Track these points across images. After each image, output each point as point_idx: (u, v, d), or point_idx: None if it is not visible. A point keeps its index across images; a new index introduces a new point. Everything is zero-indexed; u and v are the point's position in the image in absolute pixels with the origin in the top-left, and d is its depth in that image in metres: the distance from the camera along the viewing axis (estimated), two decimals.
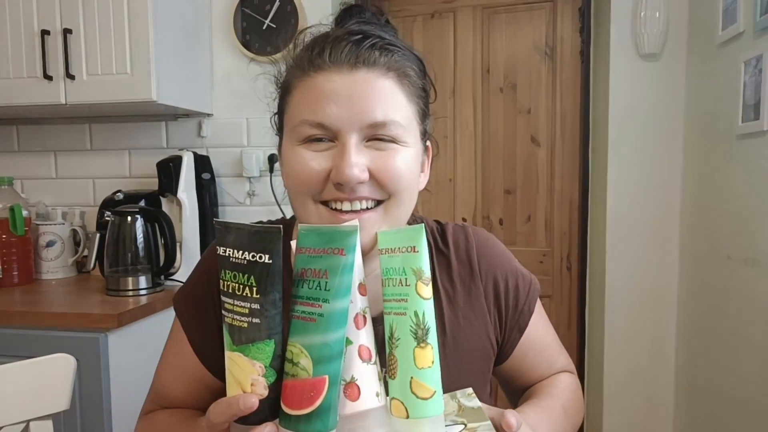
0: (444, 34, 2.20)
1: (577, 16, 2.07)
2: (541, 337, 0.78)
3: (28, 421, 0.91)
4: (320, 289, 0.51)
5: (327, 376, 0.49)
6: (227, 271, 0.52)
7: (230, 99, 2.01)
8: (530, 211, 2.18)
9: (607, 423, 1.93)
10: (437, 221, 0.79)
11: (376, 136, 0.60)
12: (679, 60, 1.79)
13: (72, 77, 1.69)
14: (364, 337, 0.52)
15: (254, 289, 0.51)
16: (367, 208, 0.61)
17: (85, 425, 1.43)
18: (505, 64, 2.16)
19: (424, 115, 0.66)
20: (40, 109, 1.86)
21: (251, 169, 1.98)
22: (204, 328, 0.73)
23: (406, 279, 0.52)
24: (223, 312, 0.53)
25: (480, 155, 2.21)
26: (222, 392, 0.75)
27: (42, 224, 1.92)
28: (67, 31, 1.68)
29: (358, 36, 0.61)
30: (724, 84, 1.52)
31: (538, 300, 0.78)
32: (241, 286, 0.51)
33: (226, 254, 0.52)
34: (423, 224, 0.56)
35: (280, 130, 0.67)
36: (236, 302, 0.52)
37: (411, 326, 0.52)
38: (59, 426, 1.40)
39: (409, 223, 0.73)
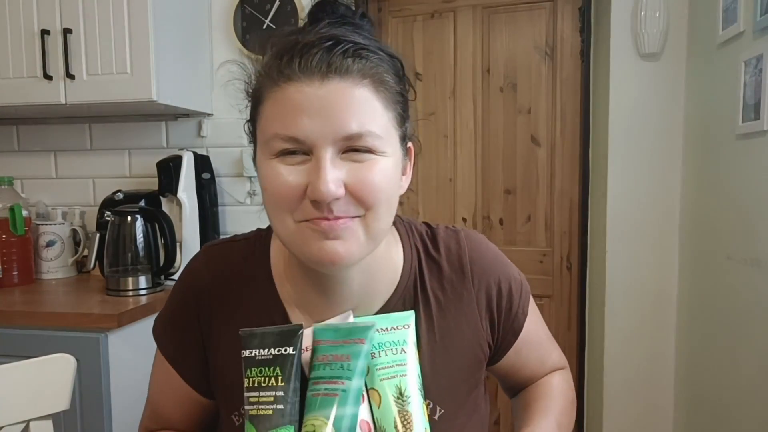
0: (444, 34, 2.20)
1: (577, 16, 2.06)
2: (533, 336, 0.78)
3: (28, 421, 0.91)
4: (343, 369, 0.57)
5: None
6: (253, 369, 0.59)
7: (230, 99, 2.00)
8: (530, 211, 2.17)
9: (607, 423, 1.93)
10: (426, 224, 0.77)
11: (352, 147, 0.57)
12: (679, 60, 1.79)
13: (72, 77, 1.69)
14: (364, 412, 0.58)
15: (279, 378, 0.57)
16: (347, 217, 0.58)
17: (85, 425, 1.43)
18: (505, 64, 2.16)
19: (402, 119, 0.63)
20: (40, 109, 1.86)
21: (251, 168, 1.98)
22: (187, 355, 0.74)
23: (401, 348, 0.62)
24: (246, 407, 0.58)
25: (480, 155, 2.21)
26: (212, 408, 0.76)
27: (42, 224, 1.92)
28: (67, 31, 1.68)
29: (329, 42, 0.57)
30: (724, 84, 1.52)
31: (531, 297, 0.78)
32: (267, 378, 0.58)
33: (252, 355, 0.59)
34: (412, 312, 0.66)
35: (253, 136, 0.64)
36: (261, 394, 0.57)
37: (418, 385, 0.61)
38: (59, 426, 1.40)
39: (394, 224, 0.73)
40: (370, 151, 0.58)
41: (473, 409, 0.72)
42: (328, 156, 0.56)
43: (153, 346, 0.79)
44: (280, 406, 0.56)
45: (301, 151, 0.57)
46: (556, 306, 2.17)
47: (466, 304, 0.72)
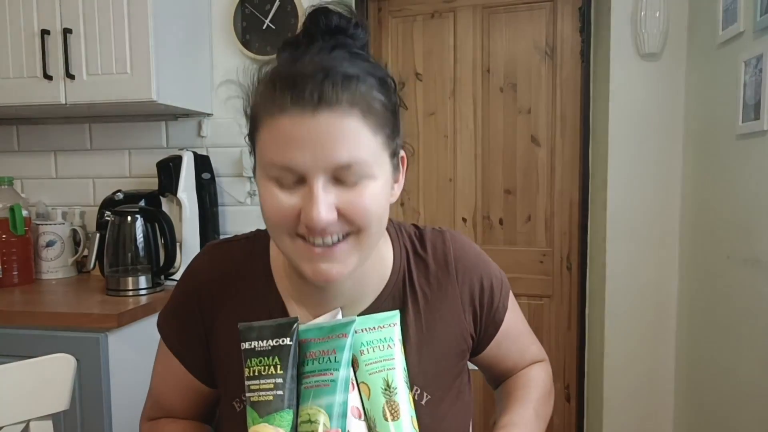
0: (444, 34, 2.20)
1: (577, 16, 2.06)
2: (512, 329, 0.84)
3: (28, 421, 0.91)
4: (331, 361, 0.63)
5: (339, 429, 0.60)
6: (253, 359, 0.63)
7: (230, 99, 2.00)
8: (530, 211, 2.17)
9: (608, 422, 1.93)
10: (415, 225, 0.82)
11: (343, 176, 0.61)
12: (679, 60, 1.79)
13: (72, 77, 1.69)
14: (355, 399, 0.64)
15: (278, 366, 0.62)
16: (339, 240, 0.63)
17: (85, 425, 1.43)
18: (505, 64, 2.16)
19: (392, 138, 0.66)
20: (40, 109, 1.86)
21: (251, 168, 1.97)
22: (189, 346, 0.78)
23: (387, 345, 0.67)
24: (247, 395, 0.63)
25: (480, 155, 2.21)
26: (212, 397, 0.80)
27: (42, 224, 1.92)
28: (67, 31, 1.68)
29: (320, 75, 0.60)
30: (724, 84, 1.52)
31: (511, 293, 0.84)
32: (267, 367, 0.62)
33: (252, 346, 0.63)
34: (397, 311, 0.69)
35: (253, 149, 0.67)
36: (262, 381, 0.62)
37: (405, 377, 0.67)
38: (59, 426, 1.40)
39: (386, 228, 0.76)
40: (360, 176, 0.62)
41: (457, 394, 0.77)
42: (320, 184, 0.60)
43: (153, 346, 0.81)
44: (280, 392, 0.61)
45: (295, 179, 0.61)
46: (556, 306, 2.17)
47: (451, 298, 0.77)
